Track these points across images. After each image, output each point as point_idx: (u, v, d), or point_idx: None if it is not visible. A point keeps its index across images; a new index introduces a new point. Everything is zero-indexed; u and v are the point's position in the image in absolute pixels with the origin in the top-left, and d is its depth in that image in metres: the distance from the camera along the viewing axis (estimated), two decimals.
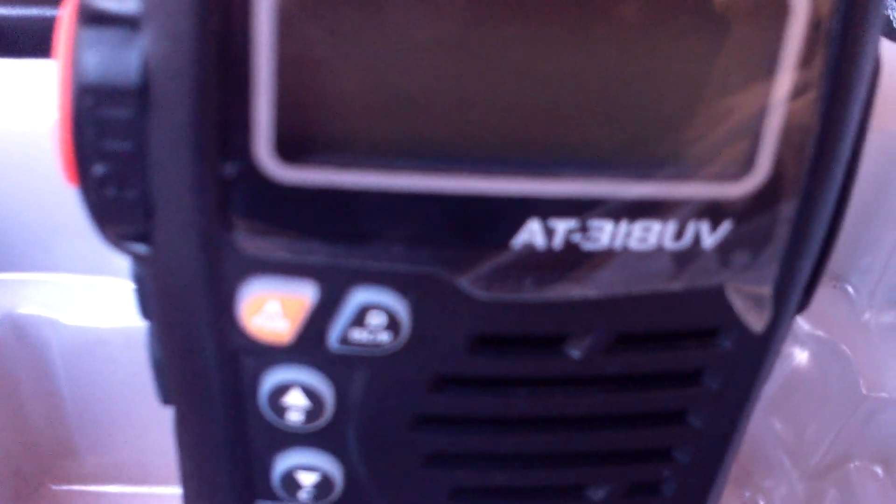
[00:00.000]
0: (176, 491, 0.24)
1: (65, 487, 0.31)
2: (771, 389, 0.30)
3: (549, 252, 0.18)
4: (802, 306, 0.21)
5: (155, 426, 0.29)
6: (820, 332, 0.29)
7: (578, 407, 0.20)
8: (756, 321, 0.19)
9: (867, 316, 0.29)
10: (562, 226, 0.18)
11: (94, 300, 0.28)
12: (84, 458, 0.31)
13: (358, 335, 0.19)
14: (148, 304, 0.20)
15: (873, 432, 0.28)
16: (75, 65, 0.17)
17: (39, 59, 0.27)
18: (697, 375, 0.20)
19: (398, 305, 0.18)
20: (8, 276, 0.28)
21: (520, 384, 0.20)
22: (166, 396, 0.22)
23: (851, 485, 0.29)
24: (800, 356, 0.29)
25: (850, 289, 0.29)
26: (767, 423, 0.31)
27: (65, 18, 0.17)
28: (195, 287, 0.18)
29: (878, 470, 0.29)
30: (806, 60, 0.17)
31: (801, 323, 0.29)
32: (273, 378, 0.19)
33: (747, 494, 0.32)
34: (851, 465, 0.29)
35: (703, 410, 0.21)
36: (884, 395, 0.27)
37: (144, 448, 0.31)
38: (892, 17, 0.35)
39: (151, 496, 0.32)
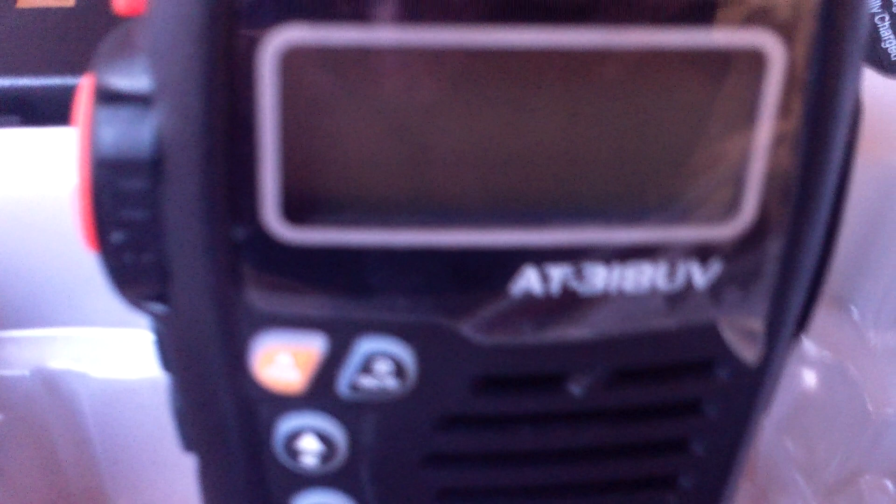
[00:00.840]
0: None
1: None
2: (782, 411, 0.31)
3: (547, 297, 0.19)
4: (798, 335, 0.22)
5: (182, 469, 0.30)
6: (826, 355, 0.29)
7: (582, 440, 0.21)
8: (749, 354, 0.20)
9: (872, 337, 0.29)
10: (557, 272, 0.19)
11: (121, 352, 0.29)
12: (115, 503, 0.32)
13: (366, 382, 0.19)
14: (167, 357, 0.21)
15: (882, 449, 0.29)
16: (93, 140, 0.18)
17: (62, 127, 0.28)
18: (697, 405, 0.21)
19: (404, 353, 0.19)
20: (37, 333, 0.29)
21: (524, 421, 0.21)
22: (188, 444, 0.23)
23: (864, 500, 0.30)
24: (808, 378, 0.30)
25: (854, 311, 0.30)
26: (780, 443, 0.31)
27: (82, 96, 0.18)
28: (211, 342, 0.19)
29: (889, 484, 0.30)
30: (784, 109, 0.18)
31: (808, 346, 0.30)
32: (287, 424, 0.20)
33: None
34: (863, 481, 0.30)
35: (705, 438, 0.22)
36: (890, 411, 0.28)
37: (172, 490, 0.32)
38: (889, 51, 0.36)
39: None
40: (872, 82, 0.30)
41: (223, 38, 0.17)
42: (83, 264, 0.27)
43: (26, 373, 0.29)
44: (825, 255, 0.20)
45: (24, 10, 0.31)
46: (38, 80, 0.30)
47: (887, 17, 0.38)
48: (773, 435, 0.32)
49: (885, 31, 0.37)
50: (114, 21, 0.32)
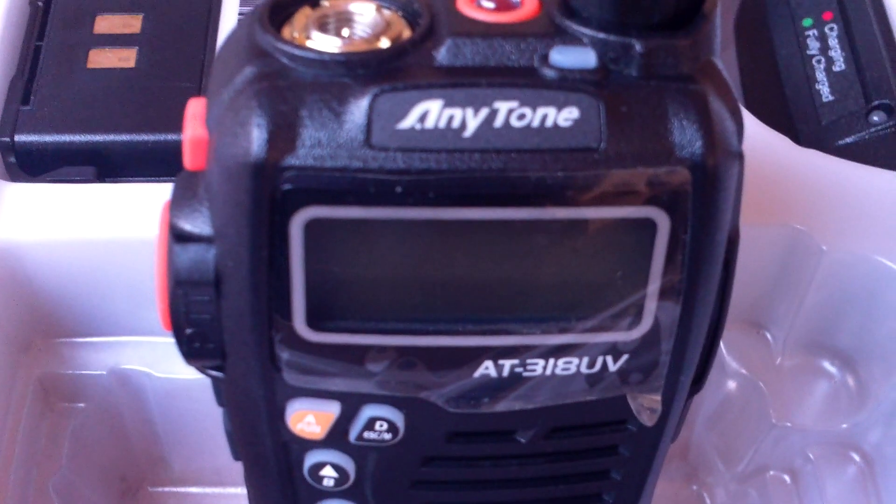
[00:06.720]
0: (244, 492, 0.32)
1: (159, 489, 0.41)
2: (709, 409, 0.38)
3: (500, 380, 0.26)
4: (696, 391, 0.29)
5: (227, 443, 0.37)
6: (743, 371, 0.36)
7: (528, 472, 0.28)
8: (648, 419, 0.27)
9: (780, 359, 0.36)
10: (508, 363, 0.26)
11: (178, 356, 0.36)
12: (173, 467, 0.40)
13: (368, 435, 0.27)
14: (221, 397, 0.29)
15: (781, 451, 0.36)
16: (170, 267, 0.25)
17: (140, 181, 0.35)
18: (614, 448, 0.28)
19: (396, 416, 0.26)
20: (112, 339, 0.37)
21: (485, 459, 0.28)
22: (236, 456, 0.30)
23: (767, 489, 0.37)
24: (730, 385, 0.37)
25: (768, 335, 0.37)
26: (708, 434, 0.39)
27: (160, 235, 0.25)
28: (257, 402, 0.27)
29: (787, 478, 0.37)
30: (670, 255, 0.24)
31: (729, 360, 0.37)
32: (311, 458, 0.28)
33: (694, 488, 0.40)
34: (767, 474, 0.37)
35: (622, 469, 0.29)
36: (788, 424, 0.35)
37: (219, 458, 0.39)
38: (822, 93, 0.41)
39: (225, 495, 0.41)
40: (786, 153, 0.35)
41: (266, 215, 0.23)
42: (149, 288, 0.34)
43: (104, 372, 0.37)
44: (712, 342, 0.27)
45: (92, 71, 0.37)
46: (108, 136, 0.36)
47: (823, 60, 0.42)
48: (701, 426, 0.39)
49: (820, 74, 0.42)
50: (168, 81, 0.38)
